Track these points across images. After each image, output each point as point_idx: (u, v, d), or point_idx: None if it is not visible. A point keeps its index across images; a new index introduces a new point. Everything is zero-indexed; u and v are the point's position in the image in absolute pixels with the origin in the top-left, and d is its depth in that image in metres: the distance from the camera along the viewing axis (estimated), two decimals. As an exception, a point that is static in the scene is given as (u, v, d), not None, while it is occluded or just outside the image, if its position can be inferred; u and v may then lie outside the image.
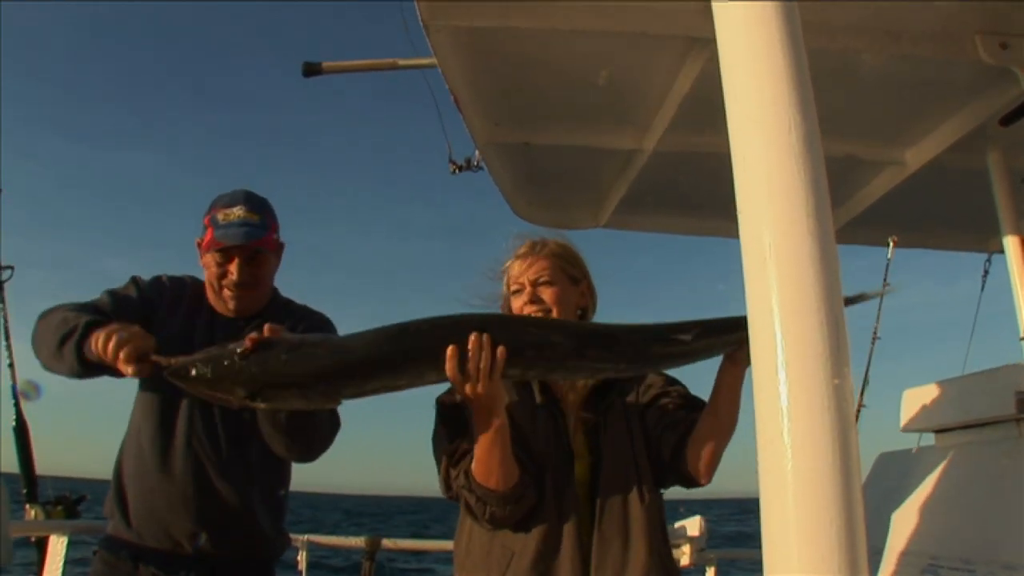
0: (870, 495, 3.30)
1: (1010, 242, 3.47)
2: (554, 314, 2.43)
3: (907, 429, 3.15)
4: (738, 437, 2.28)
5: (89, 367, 2.39)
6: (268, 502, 2.77)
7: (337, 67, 3.40)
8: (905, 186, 3.52)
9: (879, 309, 3.55)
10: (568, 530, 2.25)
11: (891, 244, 3.61)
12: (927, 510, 2.81)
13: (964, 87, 2.93)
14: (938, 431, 3.07)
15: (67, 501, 3.82)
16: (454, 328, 2.06)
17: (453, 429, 2.36)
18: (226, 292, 2.71)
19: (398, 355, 2.06)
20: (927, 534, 2.74)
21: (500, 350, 2.04)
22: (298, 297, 2.95)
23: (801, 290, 1.07)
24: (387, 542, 4.77)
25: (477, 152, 3.52)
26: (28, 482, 3.75)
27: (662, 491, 2.43)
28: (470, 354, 2.02)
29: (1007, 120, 2.93)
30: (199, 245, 2.76)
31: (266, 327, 2.03)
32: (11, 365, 3.68)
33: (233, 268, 2.68)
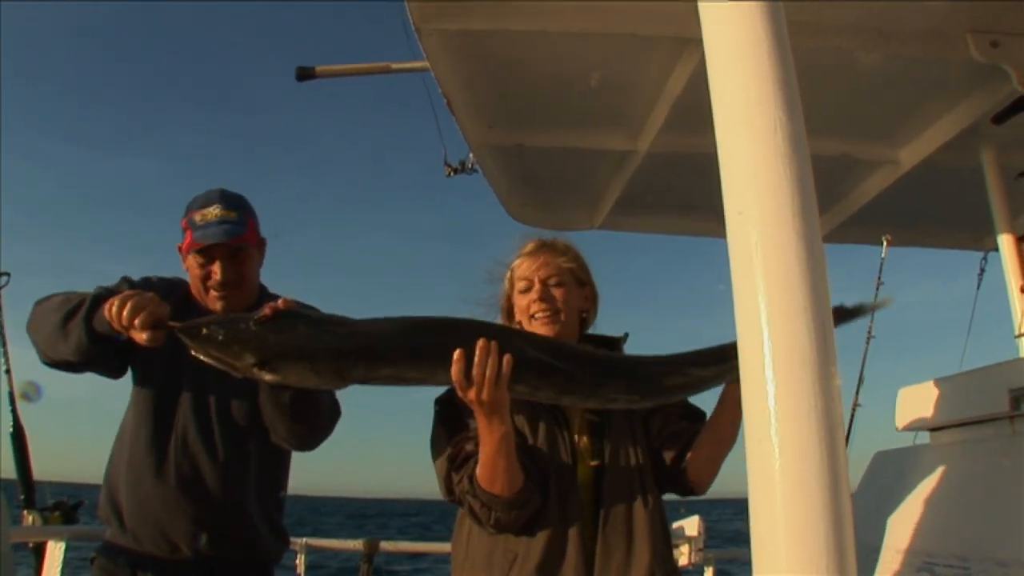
0: (867, 494, 3.30)
1: (1004, 240, 3.48)
2: (561, 316, 2.43)
3: (903, 428, 3.15)
4: (740, 437, 2.29)
5: (97, 340, 2.37)
6: (266, 504, 2.77)
7: (330, 71, 3.41)
8: (899, 185, 3.53)
9: (872, 307, 3.53)
10: (572, 534, 2.24)
11: (884, 243, 3.61)
12: (923, 508, 2.80)
13: (956, 86, 2.94)
14: (933, 429, 3.07)
15: (65, 507, 3.82)
16: (471, 332, 2.06)
17: (453, 431, 2.36)
18: (212, 293, 2.69)
19: (414, 348, 2.07)
20: (923, 532, 2.74)
21: (507, 359, 2.03)
22: (299, 299, 2.91)
23: (788, 290, 1.07)
24: (385, 544, 4.77)
25: (471, 154, 3.53)
26: (25, 488, 3.75)
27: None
28: (476, 360, 2.02)
29: (999, 118, 2.94)
30: (180, 249, 2.74)
31: (282, 300, 2.02)
32: (8, 371, 3.68)
33: (216, 268, 2.66)
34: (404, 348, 2.06)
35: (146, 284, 2.74)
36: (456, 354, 2.01)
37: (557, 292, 2.45)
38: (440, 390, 2.44)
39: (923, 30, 2.61)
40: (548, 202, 4.05)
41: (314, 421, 2.48)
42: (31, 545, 3.84)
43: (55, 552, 3.72)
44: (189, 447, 2.62)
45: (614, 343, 2.57)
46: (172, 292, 2.78)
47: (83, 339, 2.37)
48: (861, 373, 3.97)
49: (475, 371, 2.02)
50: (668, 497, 2.46)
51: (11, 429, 3.53)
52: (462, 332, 2.07)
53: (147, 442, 2.63)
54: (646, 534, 2.28)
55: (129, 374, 2.73)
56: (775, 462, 1.03)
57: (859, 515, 3.15)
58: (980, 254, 4.27)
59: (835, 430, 1.03)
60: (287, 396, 2.27)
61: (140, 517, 2.61)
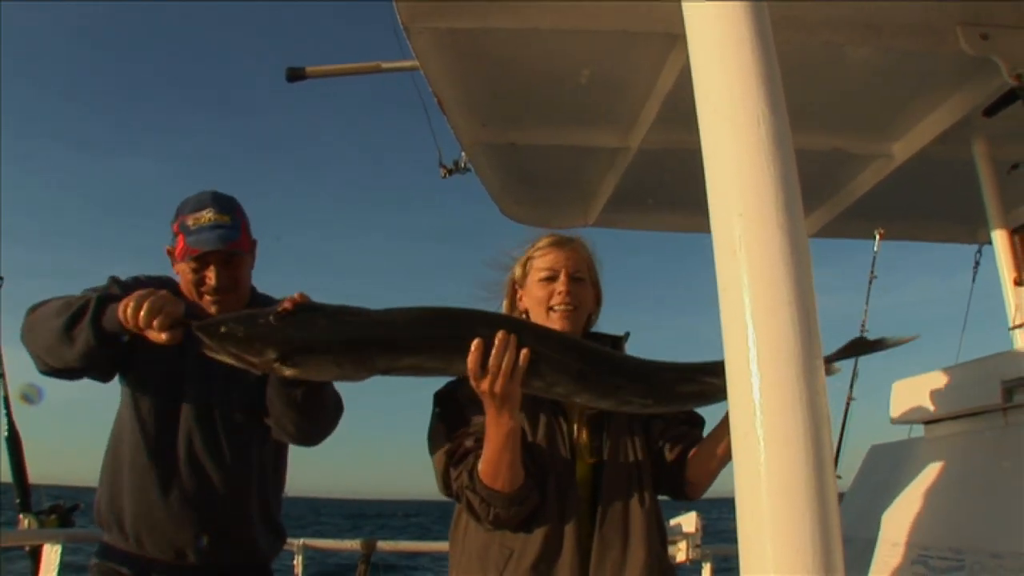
0: (862, 487, 3.31)
1: (997, 233, 3.48)
2: (578, 311, 2.45)
3: (897, 421, 3.15)
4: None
5: (104, 343, 2.35)
6: (267, 504, 2.77)
7: (321, 71, 3.41)
8: (893, 179, 3.53)
9: (866, 302, 3.54)
10: (569, 531, 2.24)
11: (877, 237, 3.62)
12: (917, 501, 2.81)
13: (947, 79, 2.94)
14: (928, 422, 3.07)
15: (61, 510, 3.82)
16: (491, 324, 2.08)
17: (452, 426, 2.35)
18: (206, 299, 2.66)
19: (435, 337, 2.08)
20: (918, 525, 2.74)
21: (523, 353, 2.05)
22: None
23: (772, 283, 1.07)
24: (383, 544, 4.77)
25: (464, 153, 3.52)
26: (21, 491, 3.75)
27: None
28: (494, 351, 2.03)
29: (990, 111, 2.94)
30: (170, 253, 2.72)
31: (298, 294, 2.01)
32: (2, 375, 3.67)
33: (211, 274, 2.63)
34: (425, 338, 2.07)
35: (135, 284, 2.70)
36: (475, 343, 2.02)
37: (579, 287, 2.47)
38: (439, 384, 2.44)
39: (912, 23, 2.61)
40: (541, 200, 4.05)
41: (322, 416, 2.49)
42: (27, 549, 3.84)
43: (51, 555, 3.72)
44: (196, 455, 2.61)
45: (617, 342, 2.58)
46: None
47: (91, 342, 2.34)
48: (855, 367, 3.97)
49: (491, 362, 2.03)
50: (661, 498, 2.46)
51: (6, 433, 3.52)
52: (482, 323, 2.09)
53: (151, 450, 2.62)
54: (642, 532, 2.28)
55: (117, 377, 2.72)
56: (760, 455, 1.03)
57: (854, 508, 3.15)
58: (975, 247, 4.27)
59: (820, 422, 1.03)
60: (299, 392, 2.27)
61: (146, 525, 2.60)
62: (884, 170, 3.53)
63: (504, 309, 2.60)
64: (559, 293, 2.44)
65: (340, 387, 2.56)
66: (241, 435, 2.65)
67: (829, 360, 2.51)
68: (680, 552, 4.65)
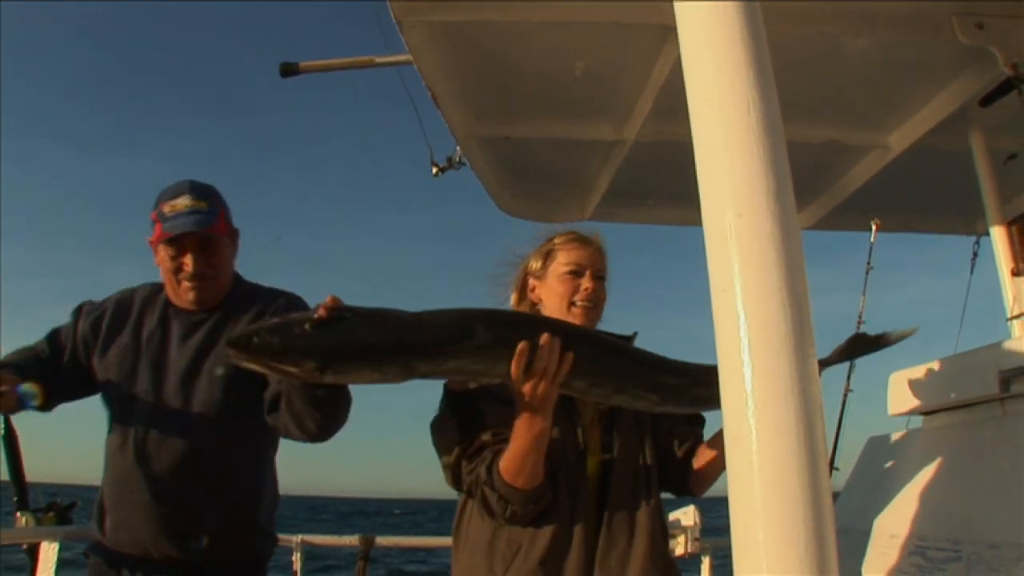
0: (860, 479, 3.30)
1: (995, 223, 3.48)
2: (596, 310, 2.46)
3: (895, 413, 3.14)
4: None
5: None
6: (248, 501, 2.74)
7: (314, 67, 3.40)
8: (889, 170, 3.52)
9: (864, 292, 3.53)
10: (578, 527, 2.25)
11: (874, 228, 3.61)
12: (915, 492, 2.80)
13: (943, 69, 2.93)
14: (925, 413, 3.06)
15: (58, 507, 3.81)
16: (533, 326, 2.06)
17: (463, 418, 2.33)
18: (184, 284, 2.67)
19: (476, 340, 2.00)
20: (915, 516, 2.74)
21: (568, 357, 2.03)
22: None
23: (763, 270, 1.06)
24: (381, 539, 4.76)
25: (458, 148, 3.51)
26: (18, 489, 3.74)
27: None
28: (539, 354, 2.00)
29: (986, 100, 2.93)
30: (151, 243, 2.72)
31: (331, 298, 1.90)
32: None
33: (187, 260, 2.64)
34: (467, 340, 2.00)
35: (94, 312, 2.80)
36: (521, 346, 1.99)
37: (600, 286, 2.48)
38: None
39: (908, 13, 2.61)
40: (537, 194, 4.04)
41: (341, 411, 2.42)
42: (25, 546, 3.83)
43: (49, 553, 3.71)
44: (148, 453, 2.59)
45: (626, 341, 2.57)
46: (128, 303, 2.82)
47: None
48: (852, 363, 3.95)
49: (536, 365, 2.00)
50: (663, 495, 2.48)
51: (2, 431, 3.50)
52: (527, 326, 2.07)
53: (116, 448, 2.63)
54: (648, 528, 2.30)
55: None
56: (752, 445, 1.02)
57: (852, 500, 3.15)
58: (972, 242, 4.26)
59: (813, 412, 1.02)
60: (324, 393, 2.20)
61: (116, 520, 2.62)
62: (880, 162, 3.52)
63: (512, 301, 2.60)
64: (585, 289, 2.44)
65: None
66: (200, 431, 2.61)
67: (830, 362, 2.51)
68: (679, 546, 4.65)
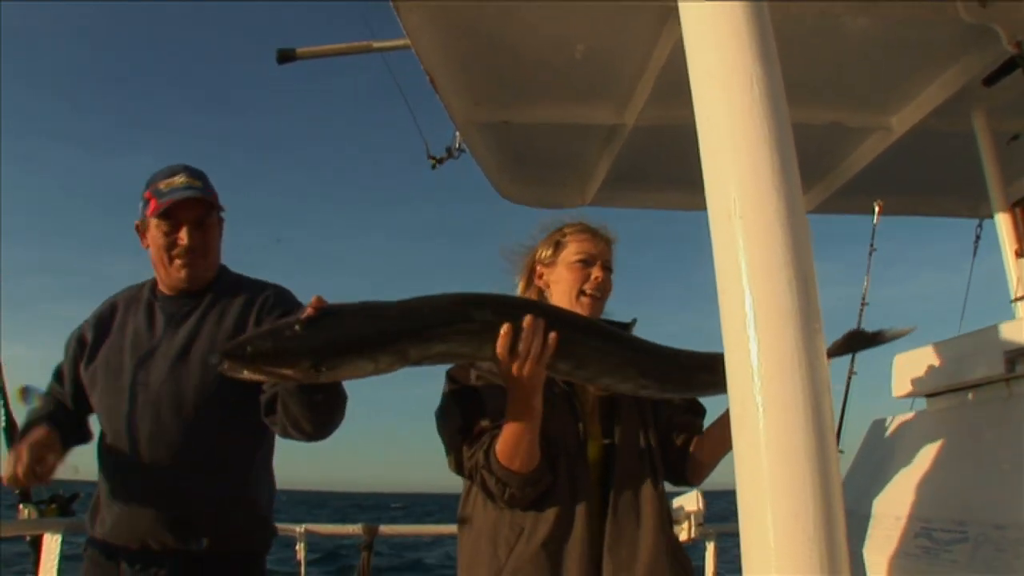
0: (865, 461, 3.29)
1: (999, 205, 3.46)
2: (603, 301, 2.50)
3: (899, 395, 3.13)
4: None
5: None
6: (249, 492, 2.73)
7: (311, 52, 3.37)
8: (891, 152, 3.50)
9: (867, 273, 3.50)
10: (580, 511, 2.27)
11: (876, 209, 3.58)
12: (920, 474, 2.79)
13: (946, 48, 2.90)
14: (930, 395, 3.05)
15: (60, 500, 3.80)
16: (518, 308, 2.09)
17: (465, 404, 2.36)
18: (176, 262, 2.68)
19: (463, 323, 2.05)
20: (920, 498, 2.73)
21: (552, 337, 2.05)
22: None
23: (769, 246, 1.05)
24: (384, 528, 4.75)
25: (457, 135, 3.49)
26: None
27: None
28: (524, 335, 2.02)
29: (990, 80, 2.90)
30: (139, 228, 2.75)
31: (316, 298, 1.93)
32: (-2, 366, 3.64)
33: (183, 234, 2.65)
34: (454, 324, 2.04)
35: (78, 336, 2.83)
36: (504, 328, 2.02)
37: (608, 277, 2.51)
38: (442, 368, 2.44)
39: (910, -9, 2.58)
40: (537, 180, 4.02)
41: (338, 410, 2.45)
42: (28, 538, 3.83)
43: (52, 545, 3.72)
44: (139, 443, 2.58)
45: (625, 328, 2.60)
46: (111, 309, 2.84)
47: None
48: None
49: (521, 346, 2.02)
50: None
51: (4, 423, 3.49)
52: (513, 308, 2.09)
53: (111, 447, 2.63)
54: (654, 512, 2.31)
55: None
56: (759, 422, 1.01)
57: (857, 483, 3.14)
58: (974, 235, 4.24)
59: (820, 388, 1.01)
60: (321, 396, 2.23)
61: (111, 513, 2.61)
62: (882, 144, 3.50)
63: (519, 288, 2.63)
64: (595, 279, 2.47)
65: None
66: (194, 417, 2.59)
67: (827, 356, 2.49)
68: (683, 531, 4.64)
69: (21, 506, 3.77)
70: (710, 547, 5.01)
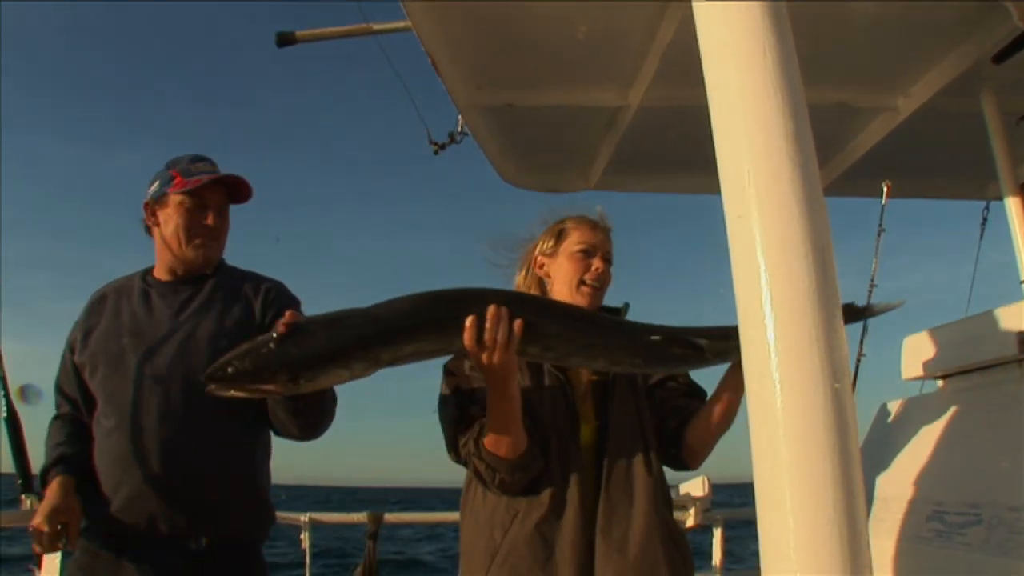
0: (874, 444, 3.26)
1: (1008, 186, 3.41)
2: (602, 292, 2.54)
3: (909, 377, 3.11)
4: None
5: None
6: (254, 475, 2.75)
7: (311, 35, 3.35)
8: (899, 133, 3.46)
9: (875, 255, 3.47)
10: (573, 492, 2.30)
11: (884, 189, 3.55)
12: (932, 457, 2.77)
13: (955, 25, 2.85)
14: (940, 377, 3.02)
15: (64, 490, 3.80)
16: (482, 300, 2.13)
17: (460, 395, 2.43)
18: (197, 240, 2.74)
19: (430, 322, 2.13)
20: (932, 481, 2.71)
21: (517, 324, 2.10)
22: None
23: (784, 217, 1.02)
24: (389, 516, 4.74)
25: (460, 118, 3.46)
26: (22, 472, 3.71)
27: None
28: (487, 325, 2.08)
29: (1000, 57, 2.86)
30: (149, 205, 2.80)
31: (289, 314, 2.06)
32: (-1, 357, 3.62)
33: (210, 215, 2.73)
34: (422, 323, 2.12)
35: (71, 341, 2.82)
36: (468, 321, 2.08)
37: (608, 269, 2.55)
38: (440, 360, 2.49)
39: (917, -33, 2.55)
40: (541, 164, 3.99)
41: (324, 414, 2.56)
42: (30, 528, 3.82)
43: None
44: (164, 430, 2.58)
45: (615, 313, 2.63)
46: (101, 303, 2.85)
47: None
48: (865, 322, 3.88)
49: (487, 336, 2.07)
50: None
51: (5, 414, 3.47)
52: (474, 300, 2.14)
53: (115, 431, 2.62)
54: (649, 494, 2.34)
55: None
56: (776, 399, 0.98)
57: (867, 466, 3.11)
58: (982, 205, 4.21)
59: (839, 363, 0.98)
60: (303, 403, 2.37)
61: (132, 508, 2.58)
62: (889, 124, 3.46)
63: (519, 279, 2.69)
64: (596, 269, 2.52)
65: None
66: (203, 400, 2.60)
67: None
68: (690, 517, 4.63)
69: (23, 496, 3.76)
70: (717, 533, 5.01)
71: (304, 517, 4.68)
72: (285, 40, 3.31)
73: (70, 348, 2.80)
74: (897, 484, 2.86)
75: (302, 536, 4.65)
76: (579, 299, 2.50)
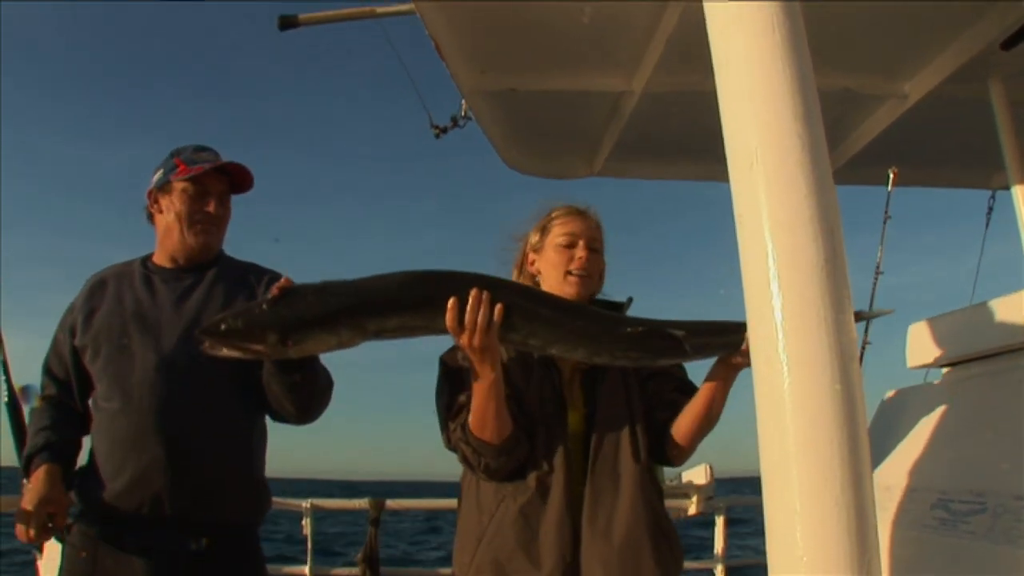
0: (879, 433, 3.24)
1: (1014, 175, 3.38)
2: (591, 279, 2.56)
3: (914, 365, 3.09)
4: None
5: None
6: (254, 459, 2.80)
7: (314, 18, 3.33)
8: (905, 120, 3.43)
9: (881, 243, 3.45)
10: (558, 478, 2.35)
11: (891, 176, 3.52)
12: (936, 446, 2.76)
13: (964, 11, 2.82)
14: (946, 365, 3.01)
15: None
16: (466, 283, 2.19)
17: (453, 384, 2.48)
18: (197, 227, 2.78)
19: (417, 297, 2.21)
20: (937, 470, 2.70)
21: (498, 308, 2.16)
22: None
23: (792, 196, 1.01)
24: (391, 503, 4.76)
25: (463, 103, 3.44)
26: (23, 457, 3.71)
27: None
28: (468, 307, 2.15)
29: (1009, 43, 2.83)
30: (152, 193, 2.84)
31: (284, 279, 2.18)
32: (0, 341, 3.61)
33: (212, 201, 2.77)
34: (408, 298, 2.21)
35: (68, 317, 2.85)
36: (450, 302, 2.15)
37: (594, 257, 2.58)
38: (445, 347, 2.55)
39: (926, -50, 2.52)
40: (545, 149, 3.97)
41: (319, 393, 2.62)
42: (19, 510, 3.82)
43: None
44: (164, 414, 2.62)
45: (618, 307, 2.64)
46: (101, 287, 2.87)
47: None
48: (871, 308, 3.86)
49: (467, 318, 2.14)
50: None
51: (6, 398, 3.47)
52: (459, 282, 2.20)
53: (119, 414, 2.65)
54: (633, 482, 2.38)
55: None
56: (784, 381, 0.97)
57: (872, 455, 3.10)
58: (987, 194, 4.19)
59: (847, 344, 0.97)
60: (299, 376, 2.42)
61: (136, 489, 2.60)
62: (896, 111, 3.43)
63: (512, 276, 2.72)
64: (579, 259, 2.55)
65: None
66: (208, 384, 2.66)
67: None
68: (692, 505, 4.64)
69: (25, 481, 3.76)
70: (719, 521, 5.01)
71: (306, 503, 4.70)
72: (287, 23, 3.30)
73: (70, 331, 2.80)
74: (901, 472, 2.85)
75: (304, 522, 4.66)
76: (567, 289, 2.53)
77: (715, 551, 5.07)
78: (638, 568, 2.31)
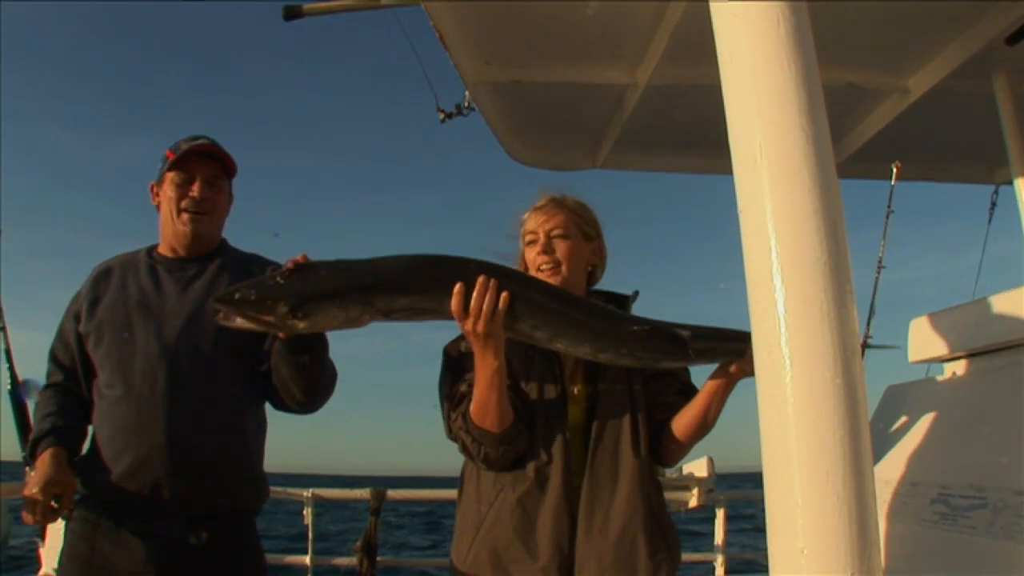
0: (880, 428, 3.25)
1: (1018, 170, 3.38)
2: (564, 268, 2.52)
3: (916, 360, 3.09)
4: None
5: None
6: (253, 447, 2.82)
7: (318, 9, 3.32)
8: (908, 115, 3.42)
9: (884, 237, 3.46)
10: (556, 469, 2.37)
11: (894, 170, 3.52)
12: (937, 440, 2.76)
13: (968, 6, 2.81)
14: (947, 360, 3.01)
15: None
16: (475, 269, 2.21)
17: (456, 375, 2.50)
18: (184, 215, 2.78)
19: (426, 280, 2.25)
20: (937, 464, 2.70)
21: (504, 296, 2.17)
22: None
23: (795, 191, 1.01)
24: (392, 493, 4.77)
25: (467, 94, 3.44)
26: (26, 445, 3.72)
27: None
28: (475, 293, 2.17)
29: (1014, 39, 2.82)
30: (153, 187, 2.87)
31: (301, 256, 2.19)
32: (3, 328, 3.62)
33: (196, 187, 2.77)
34: (418, 280, 2.25)
35: (74, 307, 2.86)
36: (457, 287, 2.17)
37: (560, 244, 2.53)
38: (449, 337, 2.57)
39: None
40: (548, 141, 3.98)
41: (325, 380, 2.64)
42: (24, 496, 3.84)
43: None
44: (166, 399, 2.63)
45: (623, 300, 2.65)
46: (107, 275, 2.88)
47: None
48: (872, 305, 3.88)
49: (472, 303, 2.16)
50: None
51: (8, 387, 3.48)
52: (468, 268, 2.22)
53: (121, 400, 2.66)
54: (631, 477, 2.39)
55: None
56: (786, 374, 0.97)
57: (873, 449, 3.10)
58: (991, 189, 4.18)
59: (850, 337, 0.97)
60: (307, 358, 2.45)
61: (137, 475, 2.62)
62: (899, 106, 3.42)
63: None
64: (538, 255, 2.54)
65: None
66: (210, 373, 2.69)
67: None
68: (693, 498, 4.64)
69: (27, 469, 3.76)
70: (720, 513, 5.01)
71: (307, 493, 4.71)
72: (292, 13, 3.28)
73: (75, 318, 2.81)
74: (902, 467, 2.85)
75: (305, 512, 4.67)
76: None
77: (716, 542, 5.08)
78: (633, 563, 2.32)
